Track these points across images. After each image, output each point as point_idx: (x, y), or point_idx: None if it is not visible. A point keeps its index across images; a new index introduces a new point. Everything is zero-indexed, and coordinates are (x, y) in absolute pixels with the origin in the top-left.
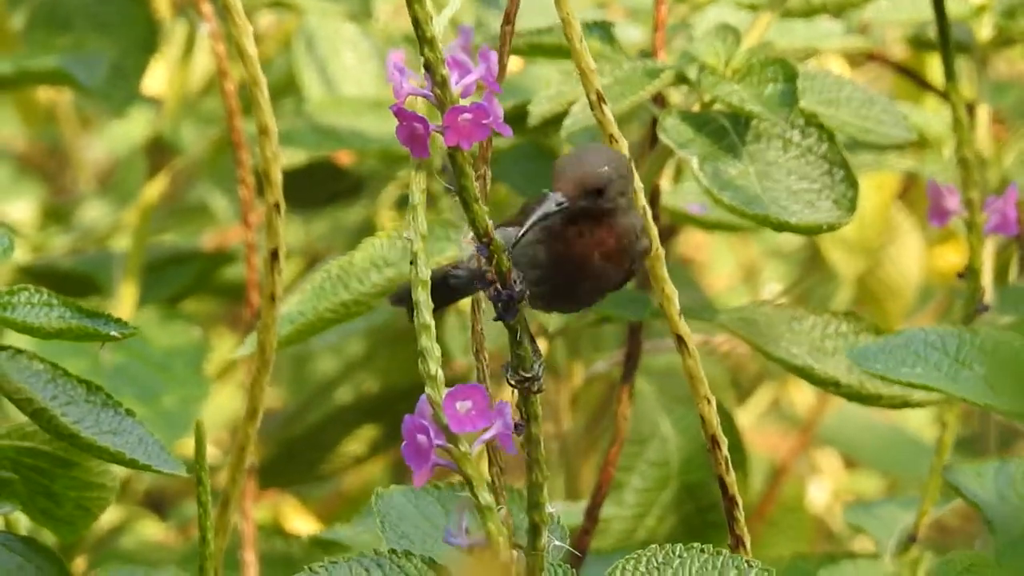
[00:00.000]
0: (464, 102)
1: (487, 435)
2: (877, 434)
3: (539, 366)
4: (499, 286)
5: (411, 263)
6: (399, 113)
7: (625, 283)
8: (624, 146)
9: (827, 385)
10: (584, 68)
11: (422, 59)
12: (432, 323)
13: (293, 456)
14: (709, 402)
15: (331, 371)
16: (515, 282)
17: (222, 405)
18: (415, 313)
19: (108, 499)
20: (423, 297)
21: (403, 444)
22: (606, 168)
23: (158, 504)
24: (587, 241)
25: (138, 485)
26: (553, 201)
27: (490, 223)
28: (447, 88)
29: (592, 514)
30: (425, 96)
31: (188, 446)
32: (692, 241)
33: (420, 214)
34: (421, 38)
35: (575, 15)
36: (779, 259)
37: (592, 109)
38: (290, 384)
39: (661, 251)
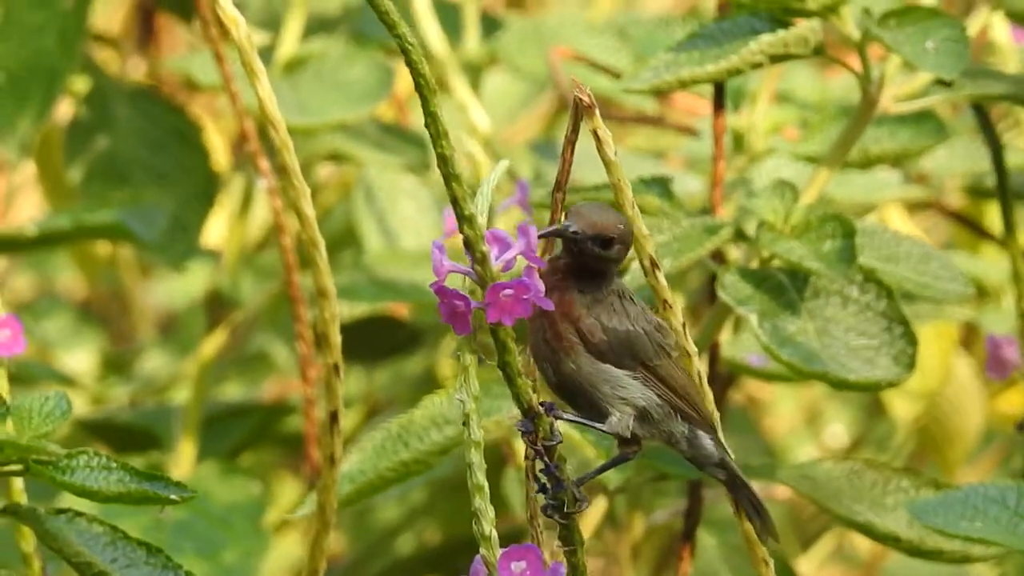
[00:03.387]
0: (505, 277)
1: None
2: None
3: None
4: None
5: (464, 424)
6: (440, 291)
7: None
8: (678, 311)
9: (888, 540)
10: (638, 234)
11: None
12: (486, 484)
13: None
14: (767, 564)
15: (393, 519)
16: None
17: (287, 551)
18: (468, 474)
19: None
20: (476, 459)
21: None
22: (621, 225)
23: None
24: (552, 295)
25: None
26: (568, 227)
27: (534, 398)
28: (487, 265)
29: None
30: (466, 273)
31: None
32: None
33: (471, 376)
34: (459, 216)
35: (627, 180)
36: (841, 400)
37: (646, 275)
38: (351, 531)
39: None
